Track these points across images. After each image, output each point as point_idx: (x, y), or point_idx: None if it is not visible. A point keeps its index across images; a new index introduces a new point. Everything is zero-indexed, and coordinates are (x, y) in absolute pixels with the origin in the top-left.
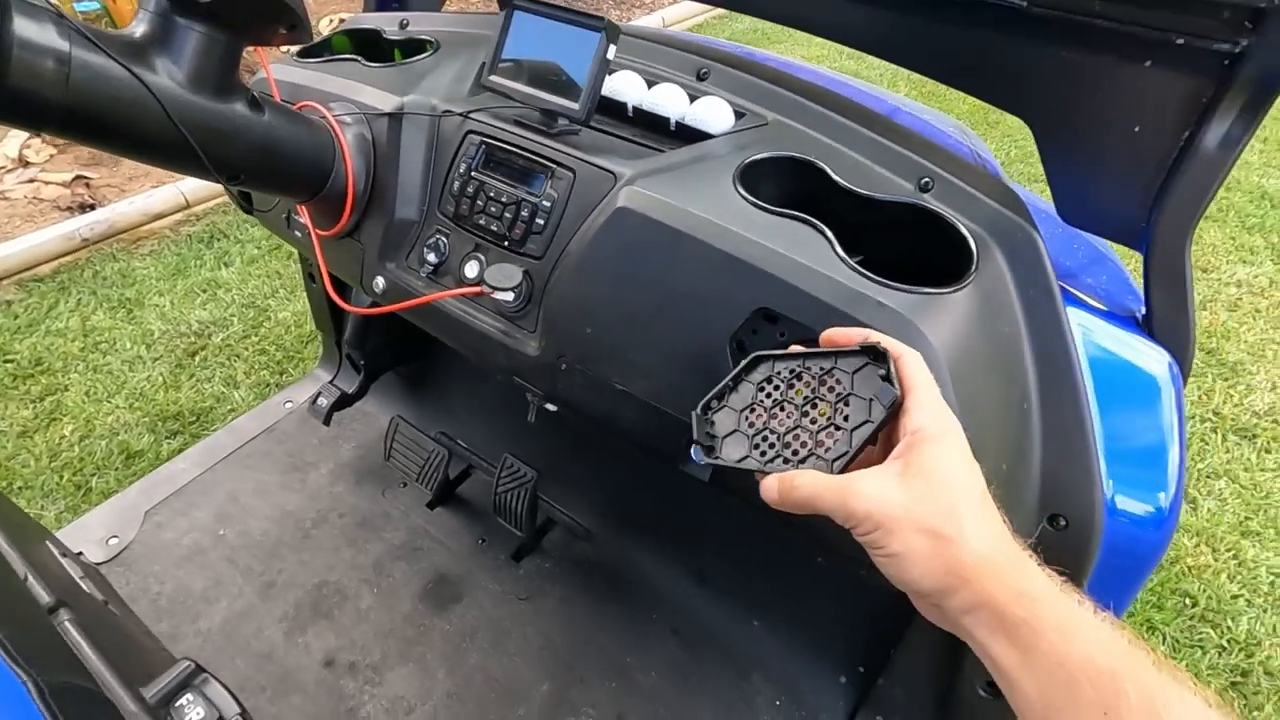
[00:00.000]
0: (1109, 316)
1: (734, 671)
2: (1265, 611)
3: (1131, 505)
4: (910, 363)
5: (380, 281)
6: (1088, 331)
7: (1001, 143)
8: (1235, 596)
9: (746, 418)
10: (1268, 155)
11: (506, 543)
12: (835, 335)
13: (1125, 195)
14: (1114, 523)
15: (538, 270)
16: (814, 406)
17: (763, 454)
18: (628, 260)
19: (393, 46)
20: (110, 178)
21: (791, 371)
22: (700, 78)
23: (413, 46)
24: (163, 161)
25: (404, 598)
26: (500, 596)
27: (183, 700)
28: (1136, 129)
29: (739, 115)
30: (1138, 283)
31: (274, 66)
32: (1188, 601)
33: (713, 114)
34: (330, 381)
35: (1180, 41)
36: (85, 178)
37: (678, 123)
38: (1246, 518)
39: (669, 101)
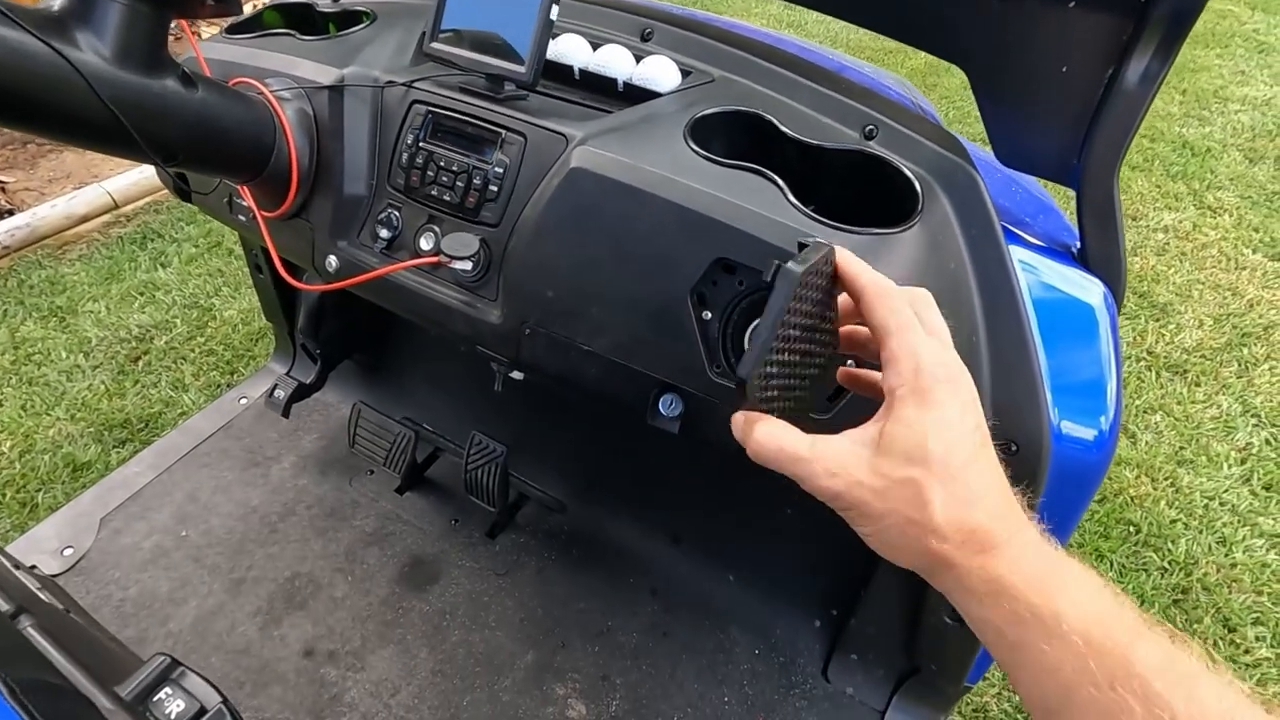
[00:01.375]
0: (1047, 251)
1: (713, 625)
2: (1200, 533)
3: (1075, 429)
4: (882, 298)
5: (333, 260)
6: (1027, 266)
7: (940, 104)
8: (1174, 521)
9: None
10: (1187, 106)
11: (480, 521)
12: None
13: (1057, 135)
14: (1060, 447)
15: (494, 238)
16: (813, 336)
17: (763, 388)
18: (585, 220)
19: (326, 20)
20: (28, 180)
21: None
22: (645, 38)
23: (348, 19)
24: (95, 143)
25: (379, 582)
26: (477, 573)
27: (161, 695)
28: (1064, 69)
29: (685, 74)
30: (1071, 221)
31: (202, 45)
32: (1131, 529)
33: (660, 73)
34: (286, 373)
35: None
36: (0, 182)
37: (625, 83)
38: (1181, 448)
39: (615, 62)
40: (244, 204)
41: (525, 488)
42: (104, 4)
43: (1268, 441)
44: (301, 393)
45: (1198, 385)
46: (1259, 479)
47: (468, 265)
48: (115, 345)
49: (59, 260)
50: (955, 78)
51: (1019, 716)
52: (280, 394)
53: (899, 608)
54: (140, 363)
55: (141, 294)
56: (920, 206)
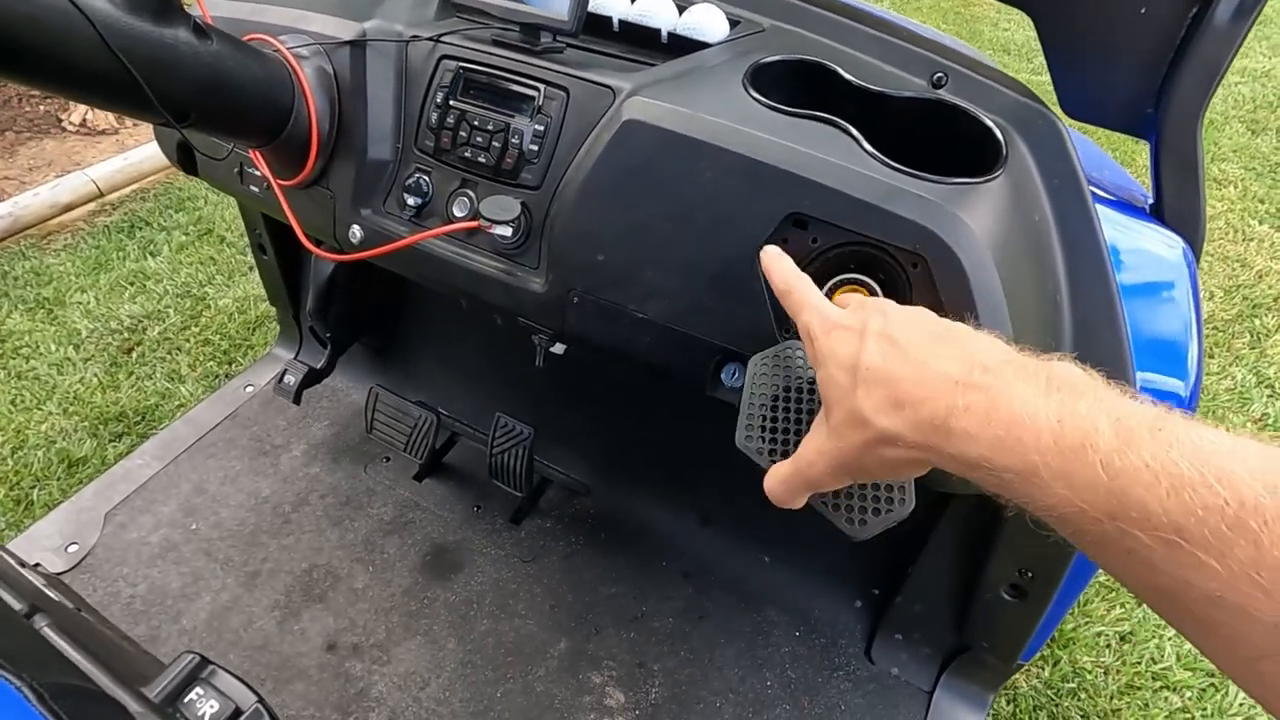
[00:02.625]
0: (1119, 206)
1: (750, 607)
2: None
3: (1157, 392)
4: (791, 304)
5: (357, 231)
6: (1104, 221)
7: None
8: None
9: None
10: None
11: (503, 507)
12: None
13: (1132, 82)
14: None
15: (536, 201)
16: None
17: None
18: (639, 178)
19: None
20: (7, 169)
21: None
22: None
23: None
24: (103, 98)
25: (401, 572)
26: (503, 560)
27: (192, 695)
28: (1143, 10)
29: (734, 23)
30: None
31: (206, 1)
32: None
33: (707, 22)
34: (294, 358)
35: None
36: None
37: (670, 34)
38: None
39: (658, 11)
40: (257, 173)
41: (548, 471)
42: None
43: None
44: (312, 378)
45: (1211, 357)
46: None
47: (508, 230)
48: (106, 337)
49: (43, 251)
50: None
51: (1048, 693)
52: (290, 380)
53: (950, 585)
54: (133, 354)
55: (131, 284)
56: (1004, 155)
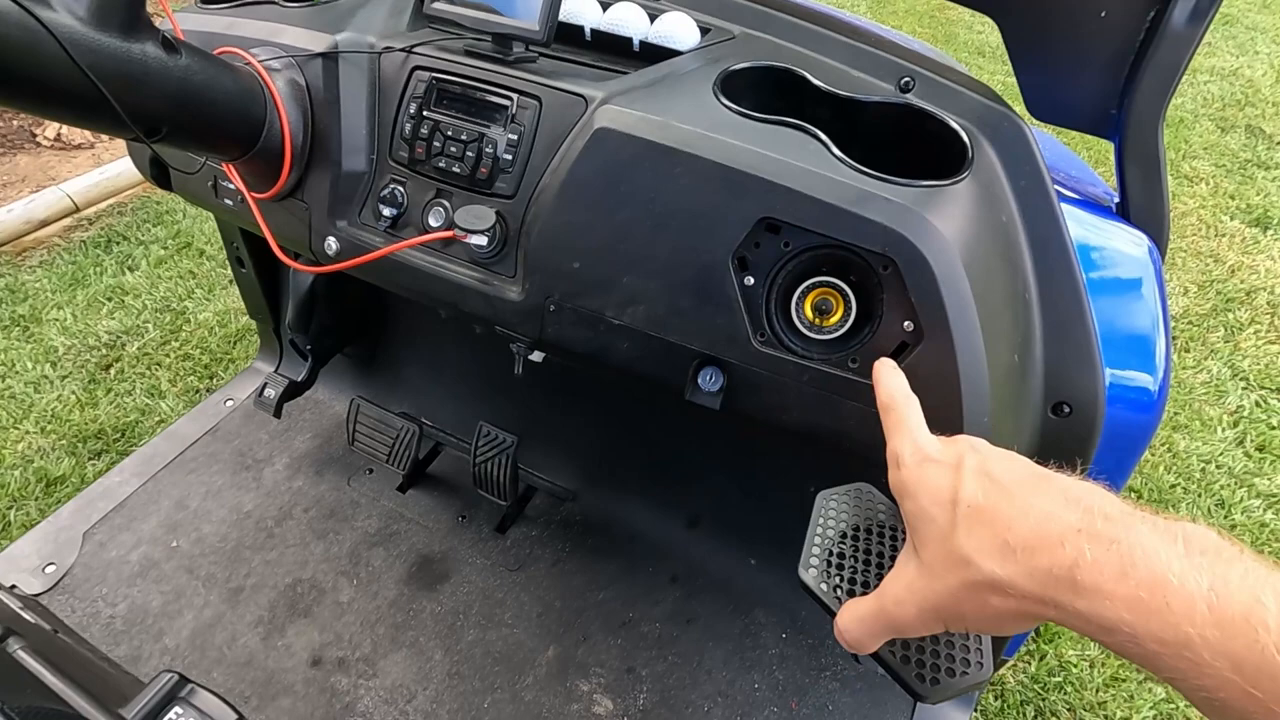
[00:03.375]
0: (1085, 205)
1: (738, 610)
2: (1199, 496)
3: (1126, 387)
4: (888, 423)
5: (332, 242)
6: (1070, 220)
7: None
8: (1173, 486)
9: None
10: None
11: (489, 516)
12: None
13: (1096, 83)
14: (1110, 407)
15: (511, 210)
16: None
17: (834, 585)
18: (612, 185)
19: None
20: None
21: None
22: None
23: None
24: (71, 114)
25: (387, 584)
26: (489, 569)
27: (171, 715)
28: (1103, 13)
29: (704, 30)
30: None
31: (178, 15)
32: (1133, 495)
33: (678, 29)
34: (274, 371)
35: None
36: None
37: (641, 42)
38: (1175, 413)
39: (629, 20)
40: (231, 186)
41: (533, 479)
42: None
43: (1258, 404)
44: (293, 391)
45: (1187, 351)
46: (1252, 441)
47: (483, 240)
48: (84, 354)
49: (18, 267)
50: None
51: (1035, 688)
52: (271, 393)
53: None
54: (112, 371)
55: (109, 299)
56: (971, 158)
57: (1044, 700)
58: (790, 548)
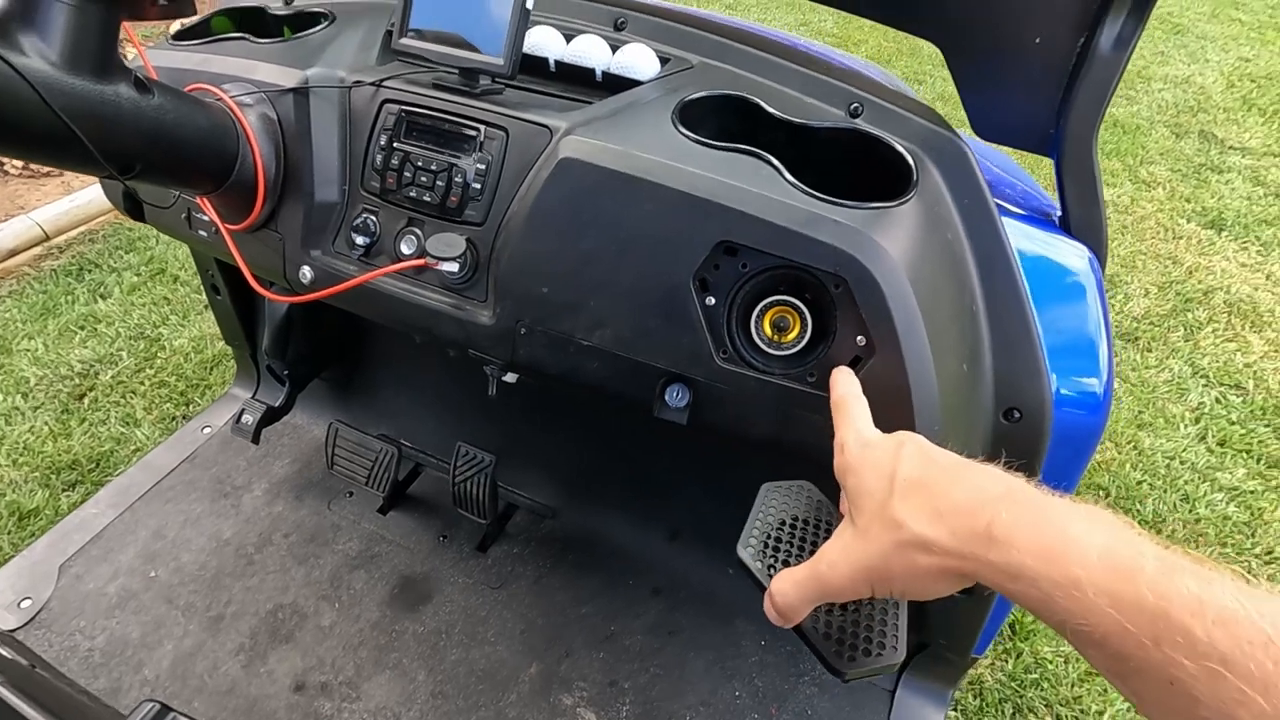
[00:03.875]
0: (1030, 220)
1: (719, 620)
2: (1165, 491)
3: (1073, 392)
4: (837, 419)
5: (307, 271)
6: (1014, 234)
7: None
8: (1140, 482)
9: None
10: None
11: (470, 535)
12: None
13: (1033, 104)
14: (1059, 411)
15: (481, 237)
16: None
17: (769, 564)
18: (577, 212)
19: (280, 23)
20: None
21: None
22: (618, 27)
23: (304, 20)
24: (46, 156)
25: (369, 606)
26: (471, 588)
27: None
28: (1038, 40)
29: (664, 60)
30: (1047, 192)
31: (149, 52)
32: (1101, 493)
33: (638, 60)
34: (252, 397)
35: None
36: None
37: (604, 73)
38: (1140, 412)
39: (592, 52)
40: (205, 218)
41: (513, 497)
42: (49, 5)
43: (1217, 400)
44: (271, 416)
45: (1149, 351)
46: (1213, 436)
47: (455, 266)
48: (56, 384)
49: None
50: (906, 62)
51: (1013, 685)
52: (248, 419)
53: None
54: (85, 400)
55: (82, 328)
56: (915, 180)
57: (1021, 697)
58: None
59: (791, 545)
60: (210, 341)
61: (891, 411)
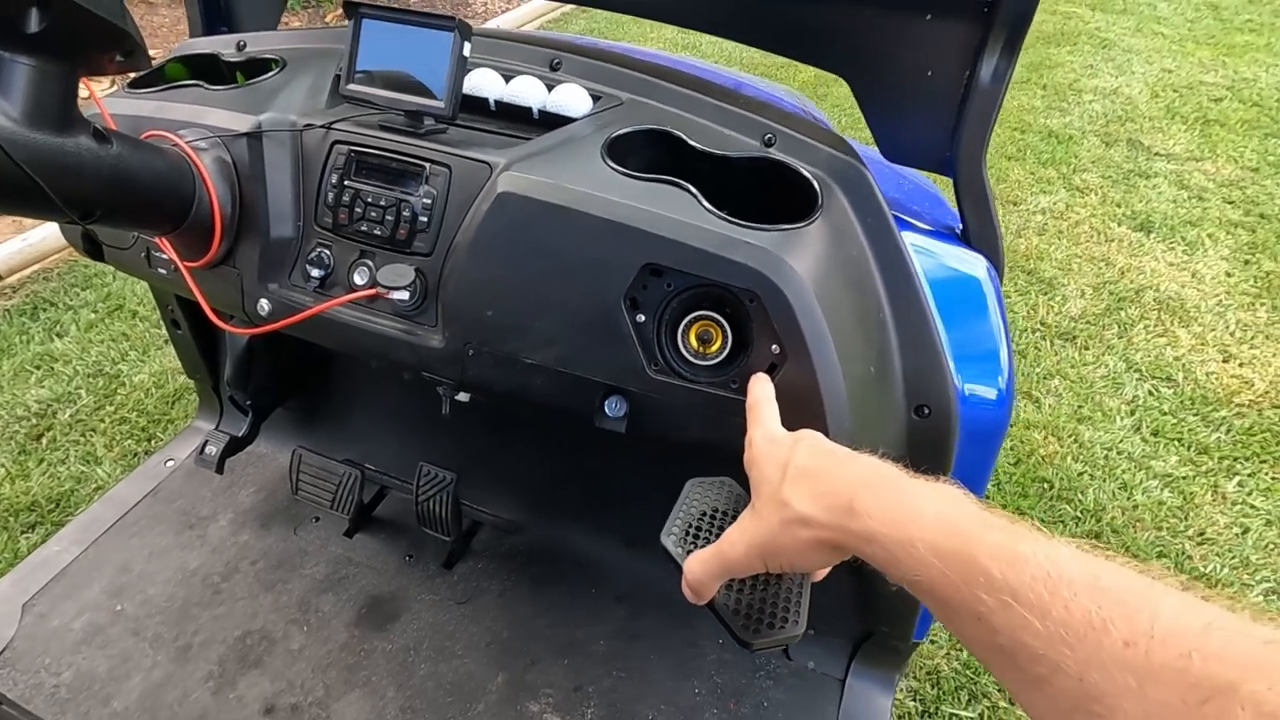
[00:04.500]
0: (935, 234)
1: (680, 623)
2: (1104, 481)
3: (977, 390)
4: (749, 419)
5: (265, 304)
6: (919, 248)
7: (833, 112)
8: (1081, 474)
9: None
10: (1048, 99)
11: (436, 554)
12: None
13: (930, 130)
14: (966, 409)
15: (429, 266)
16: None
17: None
18: (516, 241)
19: (234, 69)
20: None
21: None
22: (553, 68)
23: (256, 67)
24: (9, 205)
25: (337, 628)
26: (438, 605)
27: None
28: (930, 73)
29: (595, 98)
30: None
31: (106, 101)
32: (1045, 486)
33: (572, 99)
34: (215, 428)
35: None
36: None
37: (540, 111)
38: (1079, 406)
39: (528, 92)
40: (164, 256)
41: (478, 514)
42: (8, 65)
43: (1150, 393)
44: (234, 446)
45: (1086, 349)
46: (1147, 427)
47: (405, 295)
48: (13, 425)
49: None
50: (843, 88)
51: (967, 673)
52: (212, 450)
53: (846, 575)
54: (44, 440)
55: (38, 367)
56: (820, 203)
57: (975, 684)
58: None
59: (710, 534)
60: (171, 376)
61: (804, 411)
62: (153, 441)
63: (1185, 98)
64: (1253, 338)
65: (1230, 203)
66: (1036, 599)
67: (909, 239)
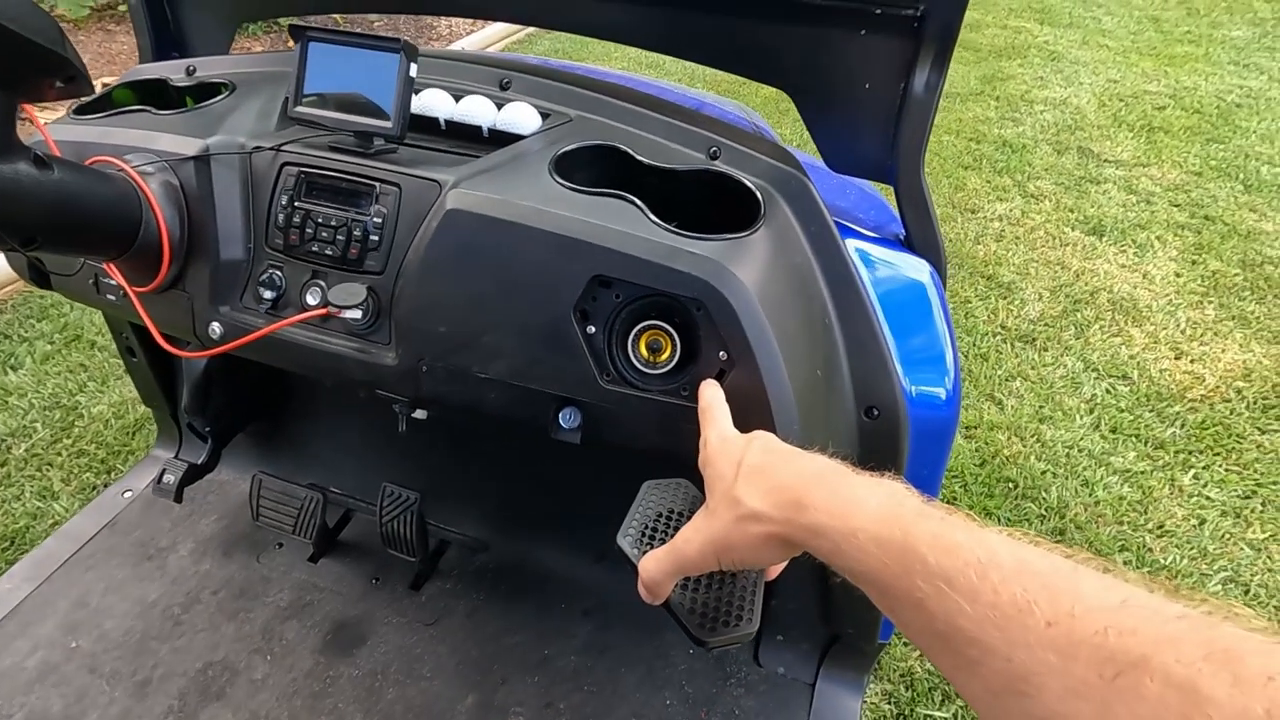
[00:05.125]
0: (879, 241)
1: (648, 635)
2: (1067, 479)
3: (925, 390)
4: (702, 421)
5: (216, 327)
6: (864, 254)
7: (794, 124)
8: (1044, 472)
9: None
10: (1002, 110)
11: (403, 575)
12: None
13: (870, 140)
14: (915, 409)
15: (381, 284)
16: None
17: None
18: (466, 257)
19: (183, 94)
20: None
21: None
22: (503, 87)
23: (206, 91)
24: None
25: (302, 655)
26: (406, 627)
27: None
28: (867, 86)
29: (544, 116)
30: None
31: (50, 127)
32: (1010, 485)
33: (520, 117)
34: (174, 457)
35: (878, 11)
36: None
37: (489, 129)
38: (1040, 407)
39: (478, 111)
40: (112, 282)
41: (444, 533)
42: None
43: (1108, 391)
44: (193, 474)
45: (1045, 350)
46: (1106, 424)
47: (357, 313)
48: None
49: None
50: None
51: (939, 675)
52: (170, 479)
53: (810, 580)
54: None
55: None
56: (762, 211)
57: (948, 685)
58: None
59: (666, 534)
60: (132, 406)
61: (753, 415)
62: (112, 474)
63: (1131, 106)
64: (1202, 335)
65: (1176, 206)
66: (968, 584)
67: (854, 245)
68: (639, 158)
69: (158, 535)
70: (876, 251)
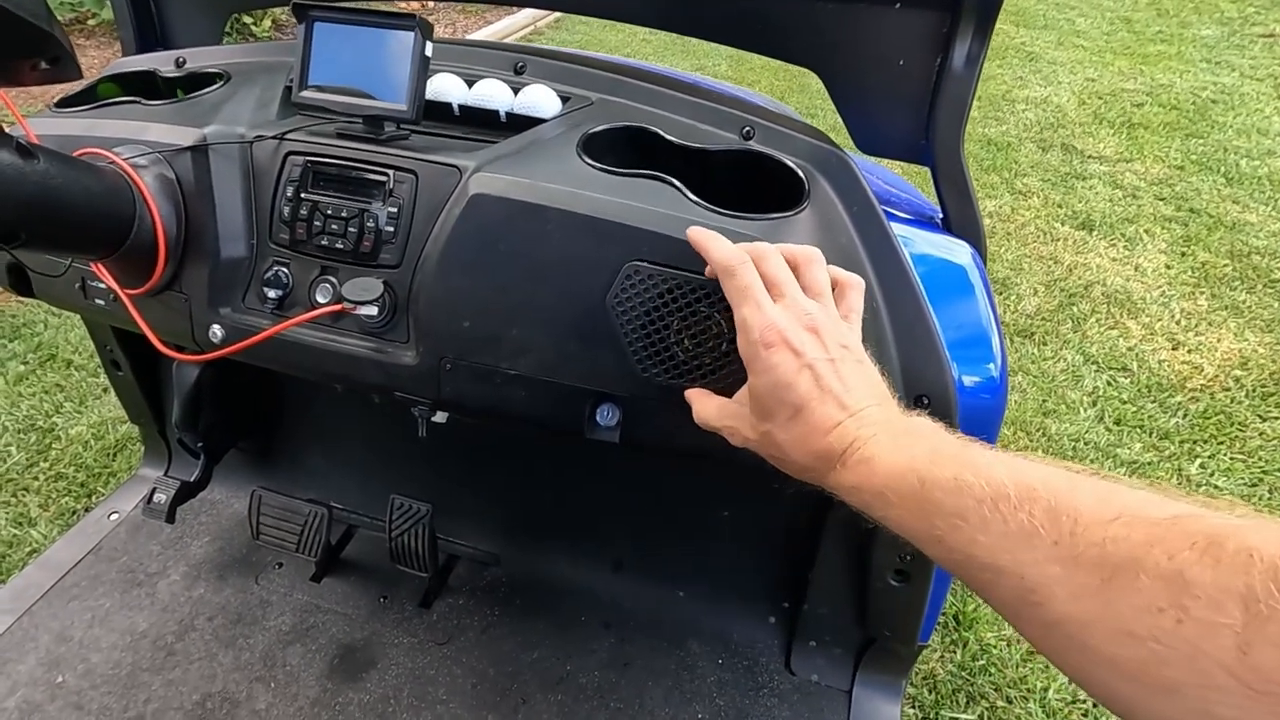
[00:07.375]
0: (915, 224)
1: (672, 645)
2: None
3: (972, 378)
4: (725, 276)
5: (217, 330)
6: (903, 237)
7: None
8: None
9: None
10: (984, 110)
11: (411, 593)
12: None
13: (905, 119)
14: (964, 397)
15: (397, 279)
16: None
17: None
18: (492, 245)
19: (173, 85)
20: None
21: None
22: (518, 71)
23: (198, 81)
24: None
25: (307, 683)
26: (417, 648)
27: None
28: (901, 62)
29: (565, 99)
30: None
31: (31, 120)
32: None
33: (541, 100)
34: (164, 474)
35: None
36: None
37: (507, 113)
38: (1044, 401)
39: (495, 94)
40: (101, 286)
41: (454, 547)
42: None
43: (1109, 383)
44: (186, 493)
45: (1045, 344)
46: (1109, 416)
47: (373, 310)
48: None
49: None
50: (798, 100)
51: (963, 675)
52: (161, 498)
53: (846, 582)
54: None
55: None
56: (807, 191)
57: (972, 685)
58: (715, 575)
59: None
60: (113, 426)
61: None
62: (93, 497)
63: (1110, 104)
64: (1197, 325)
65: (1161, 199)
66: (980, 518)
67: (893, 229)
68: (670, 138)
69: (146, 560)
70: (916, 235)
